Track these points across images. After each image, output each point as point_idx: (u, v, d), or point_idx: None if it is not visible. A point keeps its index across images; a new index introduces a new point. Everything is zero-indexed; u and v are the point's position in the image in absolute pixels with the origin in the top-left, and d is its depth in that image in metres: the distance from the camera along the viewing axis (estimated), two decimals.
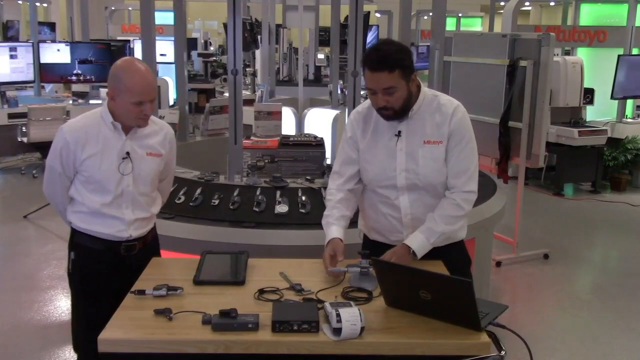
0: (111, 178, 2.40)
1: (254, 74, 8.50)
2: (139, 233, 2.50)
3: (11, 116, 7.85)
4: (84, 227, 2.45)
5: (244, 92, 5.30)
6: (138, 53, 9.65)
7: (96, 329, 2.25)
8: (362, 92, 4.16)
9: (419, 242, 2.32)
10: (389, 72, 2.22)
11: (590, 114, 7.82)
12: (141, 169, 2.45)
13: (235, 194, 3.53)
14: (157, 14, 4.26)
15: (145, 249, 2.54)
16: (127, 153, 2.42)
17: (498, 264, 5.15)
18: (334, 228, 2.40)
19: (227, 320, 1.91)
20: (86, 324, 2.46)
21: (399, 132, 2.37)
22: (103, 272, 2.46)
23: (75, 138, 2.38)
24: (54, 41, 10.85)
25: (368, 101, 2.46)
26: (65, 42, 9.11)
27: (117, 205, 2.43)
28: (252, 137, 4.24)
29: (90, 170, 2.39)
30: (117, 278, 2.45)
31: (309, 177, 3.76)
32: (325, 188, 3.10)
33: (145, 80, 2.35)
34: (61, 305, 4.30)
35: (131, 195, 2.44)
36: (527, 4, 15.91)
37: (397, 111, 2.31)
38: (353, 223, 2.59)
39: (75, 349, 2.54)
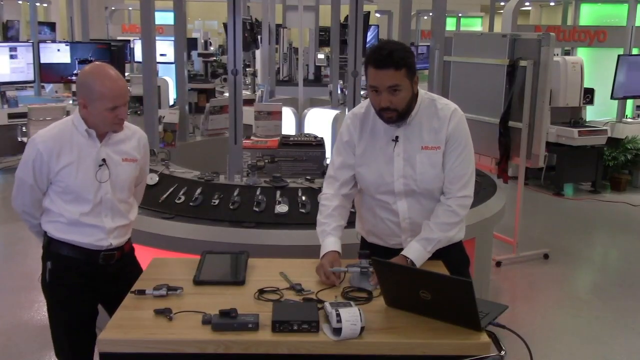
0: (89, 187, 2.35)
1: (254, 74, 8.49)
2: (118, 242, 2.46)
3: (11, 116, 7.85)
4: (62, 236, 2.39)
5: (244, 92, 5.30)
6: (138, 53, 9.66)
7: (76, 336, 2.25)
8: (362, 92, 4.16)
9: (416, 252, 2.31)
10: (395, 69, 2.19)
11: (590, 114, 7.82)
12: (118, 176, 2.41)
13: (235, 194, 3.53)
14: (157, 14, 4.26)
15: (123, 259, 2.51)
16: (104, 160, 2.37)
17: (498, 264, 5.15)
18: (331, 240, 2.38)
19: (227, 320, 1.91)
20: (65, 331, 2.45)
21: (396, 137, 2.35)
22: (81, 282, 2.42)
23: (48, 148, 2.31)
24: (54, 41, 10.85)
25: (364, 103, 2.44)
26: (65, 42, 9.11)
27: (96, 213, 2.38)
28: (252, 137, 4.24)
29: (67, 180, 2.33)
30: (94, 287, 2.44)
31: (309, 177, 3.76)
32: None
33: (117, 85, 2.31)
34: None
35: (110, 202, 2.40)
36: (527, 4, 15.91)
37: (399, 113, 2.27)
38: (350, 223, 2.59)
39: (57, 356, 2.52)
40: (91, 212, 2.37)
